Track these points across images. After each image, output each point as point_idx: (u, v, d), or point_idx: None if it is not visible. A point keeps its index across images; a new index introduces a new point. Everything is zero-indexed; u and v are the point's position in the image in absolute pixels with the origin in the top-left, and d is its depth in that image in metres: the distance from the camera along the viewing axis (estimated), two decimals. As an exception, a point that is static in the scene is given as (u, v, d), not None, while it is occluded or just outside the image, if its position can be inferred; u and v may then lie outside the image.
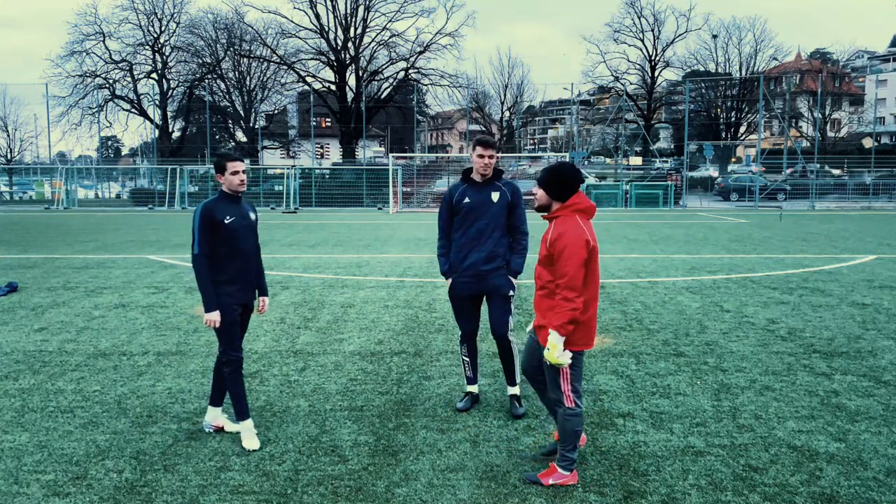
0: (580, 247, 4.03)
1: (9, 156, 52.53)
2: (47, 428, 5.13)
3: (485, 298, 5.43)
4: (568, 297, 4.01)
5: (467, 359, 5.56)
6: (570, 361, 4.09)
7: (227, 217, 4.73)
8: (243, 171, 4.83)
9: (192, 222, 4.72)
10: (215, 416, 5.07)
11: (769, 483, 4.24)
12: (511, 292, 5.33)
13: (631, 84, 59.25)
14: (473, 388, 5.61)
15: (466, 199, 5.29)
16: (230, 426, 5.04)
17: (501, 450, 4.74)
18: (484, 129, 59.96)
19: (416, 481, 4.27)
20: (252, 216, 4.97)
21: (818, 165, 39.80)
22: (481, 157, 5.23)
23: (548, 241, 4.15)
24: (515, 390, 5.47)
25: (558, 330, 4.03)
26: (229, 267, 4.77)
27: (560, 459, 4.25)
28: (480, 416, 5.38)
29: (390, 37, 48.94)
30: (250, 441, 4.78)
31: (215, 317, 4.70)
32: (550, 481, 4.20)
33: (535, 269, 4.40)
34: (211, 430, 5.04)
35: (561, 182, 4.17)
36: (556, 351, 4.04)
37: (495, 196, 5.27)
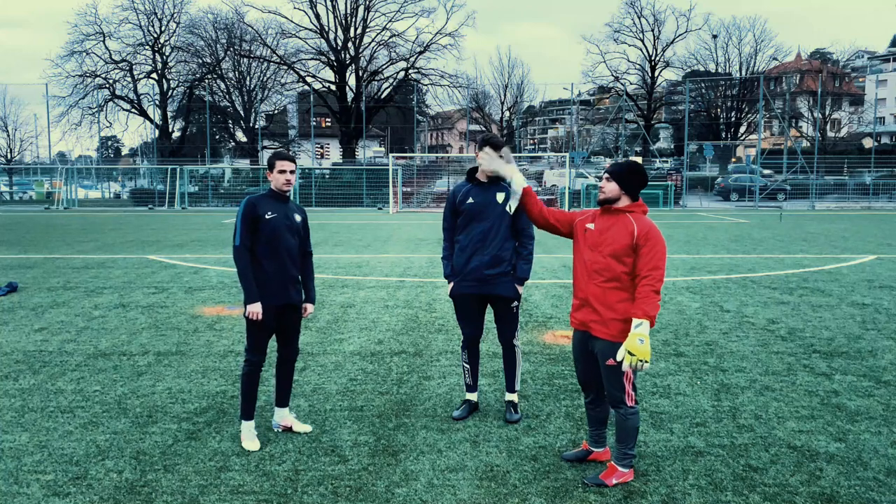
0: (665, 244, 4.14)
1: (9, 156, 52.56)
2: (47, 428, 5.13)
3: (489, 305, 5.27)
4: (659, 289, 4.04)
5: (467, 365, 5.37)
6: (649, 362, 4.01)
7: (269, 213, 4.74)
8: (291, 172, 4.83)
9: (235, 215, 4.73)
10: (283, 416, 5.09)
11: (769, 483, 4.24)
12: (516, 302, 5.17)
13: (631, 84, 59.28)
14: (472, 397, 5.43)
15: (470, 200, 5.10)
16: (299, 426, 5.06)
17: (501, 450, 4.74)
18: (484, 128, 59.95)
19: (416, 481, 4.27)
20: (297, 217, 4.94)
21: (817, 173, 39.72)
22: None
23: (634, 234, 4.11)
24: (513, 397, 5.36)
25: (651, 321, 4.00)
26: (267, 265, 4.77)
27: (622, 458, 4.24)
28: (480, 416, 5.37)
29: (390, 37, 48.99)
30: (250, 442, 4.78)
31: (257, 308, 4.70)
32: (614, 481, 4.20)
33: (592, 260, 4.22)
34: (279, 430, 5.06)
35: (639, 180, 4.24)
36: (647, 342, 3.95)
37: (500, 197, 5.06)
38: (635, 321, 3.98)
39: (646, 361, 3.93)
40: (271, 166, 4.83)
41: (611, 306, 4.14)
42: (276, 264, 4.79)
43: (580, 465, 4.47)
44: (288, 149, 55.66)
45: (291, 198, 4.99)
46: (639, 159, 47.89)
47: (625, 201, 4.22)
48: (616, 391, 4.19)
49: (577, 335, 4.40)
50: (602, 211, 4.30)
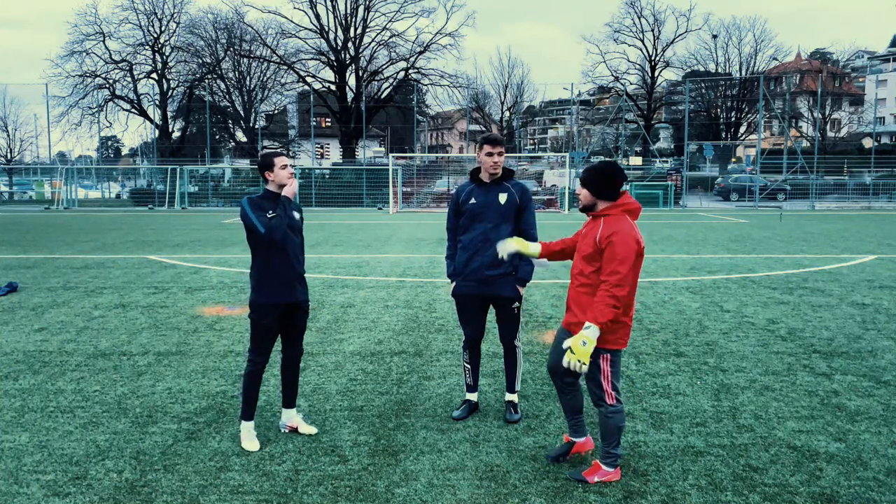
0: (632, 247, 4.06)
1: (9, 156, 52.55)
2: (47, 428, 5.13)
3: (491, 305, 5.26)
4: (617, 295, 3.99)
5: (468, 365, 5.37)
6: (587, 364, 4.00)
7: (271, 212, 4.71)
8: (291, 165, 4.84)
9: (241, 217, 4.67)
10: (290, 417, 5.09)
11: (769, 483, 4.24)
12: (517, 303, 5.16)
13: (631, 84, 59.26)
14: (472, 397, 5.43)
15: (472, 200, 5.10)
16: (305, 427, 5.05)
17: (501, 450, 4.74)
18: (484, 128, 59.97)
19: (416, 481, 4.27)
20: (297, 215, 4.92)
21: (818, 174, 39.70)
22: (490, 155, 5.01)
23: (596, 239, 4.12)
24: (513, 397, 5.36)
25: (600, 326, 4.00)
26: (275, 263, 4.76)
27: (605, 457, 4.26)
28: (480, 416, 5.37)
29: (390, 37, 49.00)
30: (250, 443, 4.78)
31: (288, 181, 4.74)
32: (596, 479, 4.21)
33: (574, 264, 4.35)
34: (286, 431, 5.05)
35: (608, 181, 4.19)
36: (591, 346, 3.97)
37: (503, 197, 5.06)
38: (586, 323, 4.02)
39: (583, 363, 3.96)
40: (269, 165, 4.75)
41: (584, 309, 4.19)
42: (283, 262, 4.78)
43: (580, 466, 4.46)
44: (288, 149, 55.77)
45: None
46: (638, 160, 47.88)
47: (602, 204, 4.23)
48: (595, 389, 4.25)
49: (562, 329, 4.47)
50: (589, 216, 4.35)
